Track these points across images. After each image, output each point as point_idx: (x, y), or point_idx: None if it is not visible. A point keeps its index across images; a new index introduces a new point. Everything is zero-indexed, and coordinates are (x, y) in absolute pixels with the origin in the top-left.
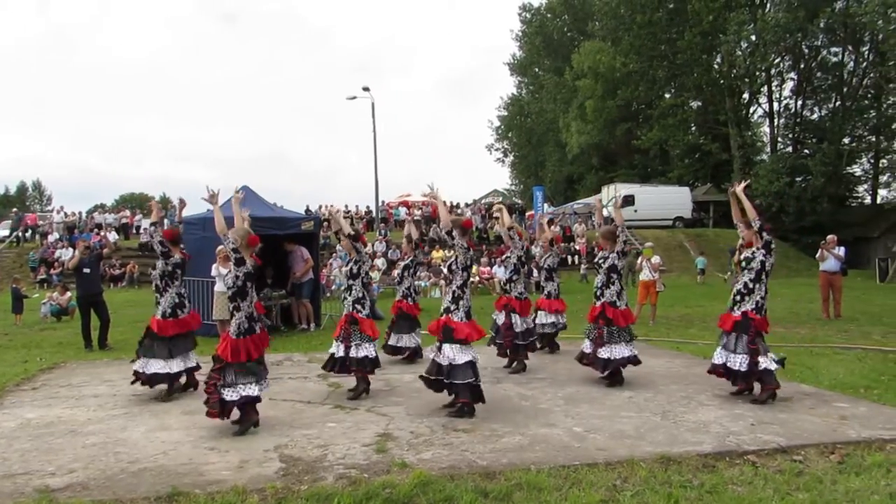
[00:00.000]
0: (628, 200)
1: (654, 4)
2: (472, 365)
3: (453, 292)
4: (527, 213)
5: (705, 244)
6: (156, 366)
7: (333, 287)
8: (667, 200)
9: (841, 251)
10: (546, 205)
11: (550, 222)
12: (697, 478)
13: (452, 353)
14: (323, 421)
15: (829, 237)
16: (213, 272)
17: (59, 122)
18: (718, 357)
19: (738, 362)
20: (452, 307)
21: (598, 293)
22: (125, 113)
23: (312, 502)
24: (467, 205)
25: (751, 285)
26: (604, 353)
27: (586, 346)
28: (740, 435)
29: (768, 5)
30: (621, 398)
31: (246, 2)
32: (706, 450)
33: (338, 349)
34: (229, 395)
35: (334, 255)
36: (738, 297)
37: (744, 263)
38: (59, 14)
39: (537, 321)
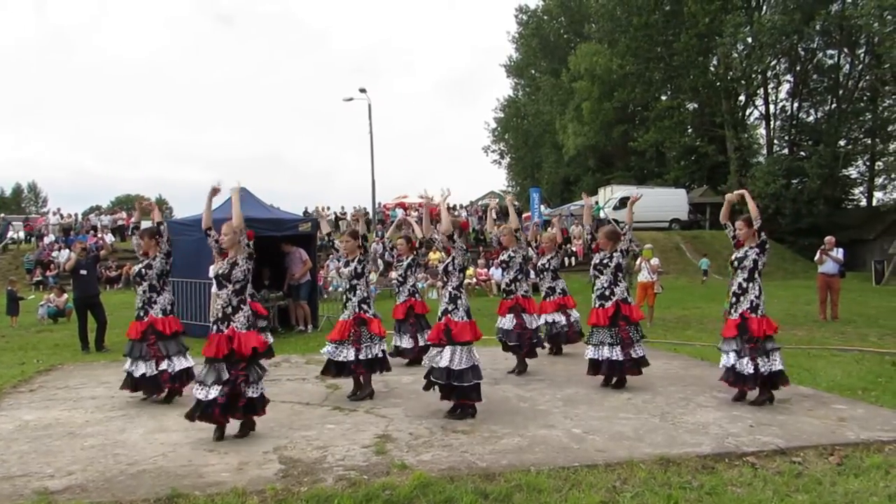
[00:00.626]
0: (624, 202)
1: (650, 6)
2: (476, 367)
3: (450, 293)
4: (523, 215)
5: (702, 246)
6: (179, 363)
7: (331, 288)
8: (663, 202)
9: (839, 253)
10: (543, 206)
11: (547, 223)
12: (697, 479)
13: (459, 356)
14: (322, 422)
15: (828, 239)
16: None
17: (54, 123)
18: (727, 361)
19: (746, 366)
20: (451, 307)
21: (608, 293)
22: (121, 114)
23: None
24: (462, 206)
25: (745, 285)
26: (634, 352)
27: (604, 353)
28: (739, 436)
29: (764, 7)
30: (620, 399)
31: (242, 3)
32: (705, 451)
33: (348, 352)
34: (253, 391)
35: (332, 256)
36: (734, 300)
37: (735, 263)
38: (56, 15)
39: (571, 319)
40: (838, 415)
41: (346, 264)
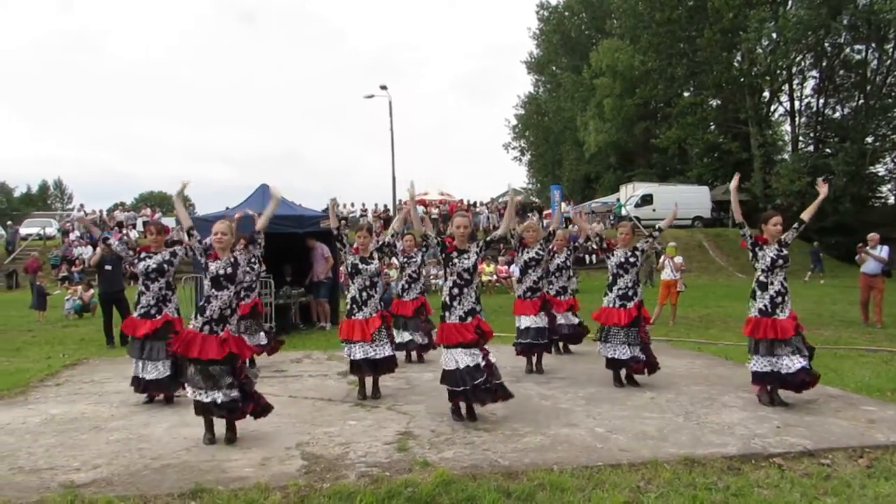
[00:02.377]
0: (646, 200)
1: (673, 2)
2: None
3: (476, 293)
4: (544, 212)
5: (725, 244)
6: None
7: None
8: (686, 200)
9: (883, 251)
10: (563, 203)
11: (568, 221)
12: (722, 480)
13: (491, 356)
14: (344, 419)
15: (871, 236)
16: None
17: (79, 122)
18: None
19: (797, 365)
20: (479, 307)
21: (630, 294)
22: (143, 113)
23: (335, 500)
24: (483, 203)
25: (786, 284)
26: (651, 353)
27: (624, 352)
28: (766, 437)
29: (790, 2)
30: (643, 399)
31: (263, 1)
32: (731, 452)
33: (383, 349)
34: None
35: (343, 251)
36: (779, 299)
37: (781, 262)
38: (80, 14)
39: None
40: (868, 416)
41: (364, 261)
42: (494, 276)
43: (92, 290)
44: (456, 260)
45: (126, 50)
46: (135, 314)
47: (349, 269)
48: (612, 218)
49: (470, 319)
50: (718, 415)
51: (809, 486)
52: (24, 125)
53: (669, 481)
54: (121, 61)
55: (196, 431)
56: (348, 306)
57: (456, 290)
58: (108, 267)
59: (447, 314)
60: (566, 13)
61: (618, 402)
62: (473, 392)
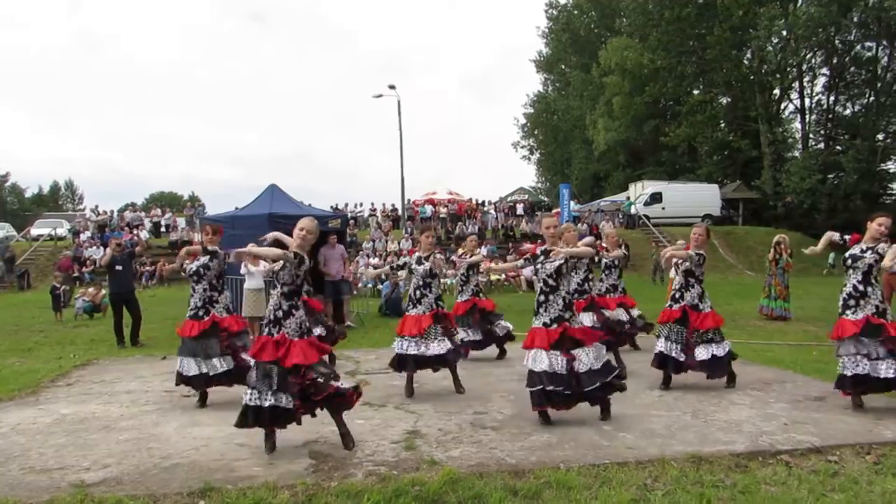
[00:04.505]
0: (655, 198)
1: (682, 0)
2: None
3: (565, 298)
4: (553, 211)
5: (735, 242)
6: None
7: (360, 285)
8: (695, 198)
9: None
10: (572, 202)
11: (577, 219)
12: (730, 477)
13: (590, 358)
14: (351, 418)
15: None
16: (242, 270)
17: (88, 123)
18: (863, 368)
19: (886, 368)
20: (567, 315)
21: (678, 296)
22: (152, 113)
23: (342, 499)
24: (491, 202)
25: (861, 287)
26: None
27: (674, 350)
28: (773, 434)
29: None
30: (651, 397)
31: (273, 1)
32: (738, 449)
33: (436, 346)
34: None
35: (361, 252)
36: (851, 302)
37: (850, 262)
38: (88, 16)
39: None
40: (875, 413)
41: (420, 261)
42: (503, 275)
43: (103, 291)
44: (539, 266)
45: (135, 50)
46: (187, 315)
47: (408, 271)
48: (621, 216)
49: (555, 326)
50: (726, 412)
51: (817, 482)
52: (35, 126)
53: (676, 479)
54: (129, 62)
55: (205, 431)
56: (405, 304)
57: (542, 297)
58: (118, 267)
59: (535, 319)
60: (575, 12)
61: (626, 401)
62: (547, 396)
